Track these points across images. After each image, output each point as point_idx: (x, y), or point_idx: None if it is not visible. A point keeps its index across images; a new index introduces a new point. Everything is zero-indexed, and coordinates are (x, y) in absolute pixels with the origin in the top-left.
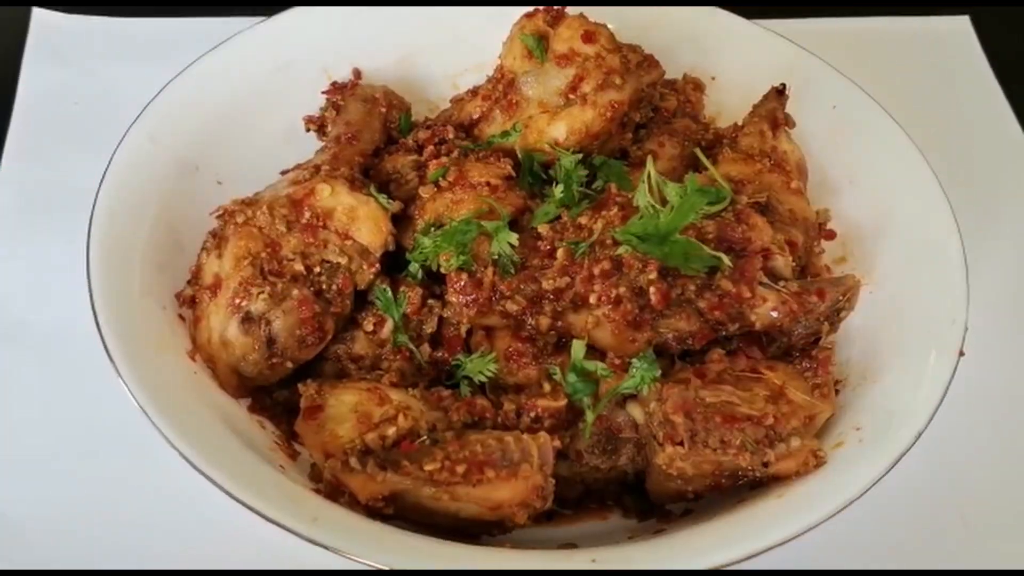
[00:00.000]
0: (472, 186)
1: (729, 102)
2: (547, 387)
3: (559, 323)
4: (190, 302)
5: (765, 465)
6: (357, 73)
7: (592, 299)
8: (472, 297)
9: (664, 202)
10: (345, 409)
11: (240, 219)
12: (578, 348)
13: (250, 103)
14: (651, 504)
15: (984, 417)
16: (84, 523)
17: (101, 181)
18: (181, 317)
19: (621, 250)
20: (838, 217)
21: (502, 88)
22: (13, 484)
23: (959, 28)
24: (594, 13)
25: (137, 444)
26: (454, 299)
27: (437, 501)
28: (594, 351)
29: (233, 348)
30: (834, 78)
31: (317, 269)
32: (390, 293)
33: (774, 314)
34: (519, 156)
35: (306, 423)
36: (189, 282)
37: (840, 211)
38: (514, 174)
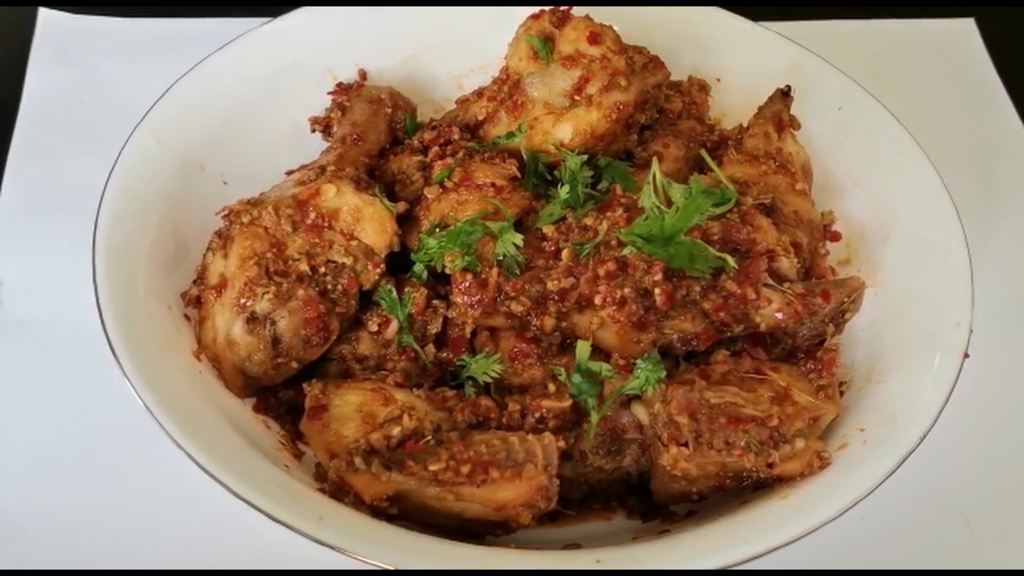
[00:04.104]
0: (477, 187)
1: (734, 104)
2: (551, 388)
3: (564, 324)
4: (195, 302)
5: (769, 466)
6: (363, 74)
7: (597, 300)
8: (477, 298)
9: (669, 203)
10: (350, 409)
11: (246, 219)
12: (583, 349)
13: (256, 104)
14: (655, 505)
15: (987, 419)
16: (86, 523)
17: (107, 181)
18: (187, 317)
19: (626, 251)
20: (843, 219)
21: (507, 89)
22: (15, 484)
23: (963, 30)
24: (598, 14)
25: (141, 443)
26: (459, 299)
27: (441, 501)
28: (599, 352)
29: (238, 348)
30: (839, 80)
31: (322, 269)
32: (395, 293)
33: (779, 315)
34: (524, 157)
35: (311, 423)
36: (195, 282)
37: (845, 213)
38: (519, 175)
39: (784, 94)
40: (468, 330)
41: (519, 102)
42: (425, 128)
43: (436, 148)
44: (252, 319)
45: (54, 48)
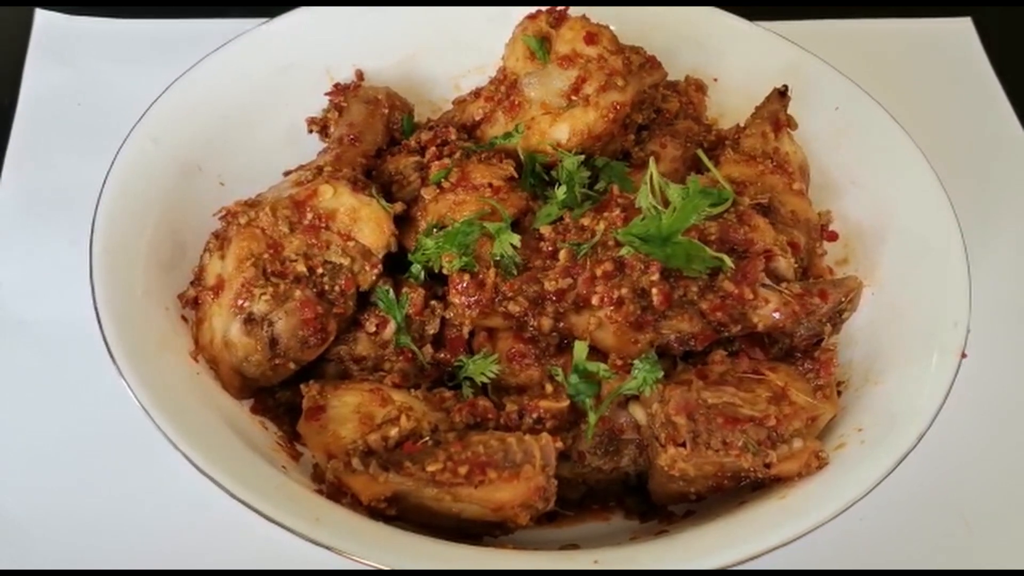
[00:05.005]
0: (474, 187)
1: (731, 103)
2: (549, 388)
3: (561, 324)
4: (193, 303)
5: (767, 466)
6: (360, 74)
7: (594, 300)
8: (474, 298)
9: (666, 203)
10: (347, 410)
11: (243, 220)
12: (580, 349)
13: (253, 104)
14: (653, 505)
15: (986, 418)
16: (84, 523)
17: (104, 182)
18: (184, 318)
19: (623, 251)
20: (840, 218)
21: (504, 89)
22: (15, 484)
23: (961, 29)
24: (596, 14)
25: (139, 445)
26: (456, 300)
27: (439, 502)
28: (596, 352)
29: (236, 349)
30: (836, 79)
31: (319, 270)
32: (392, 294)
33: (776, 315)
34: (521, 157)
35: (308, 424)
36: (192, 283)
37: (842, 212)
38: (516, 175)
39: (781, 94)
40: (466, 331)
41: (516, 102)
42: (422, 128)
43: (433, 149)
44: (249, 320)
45: (51, 49)
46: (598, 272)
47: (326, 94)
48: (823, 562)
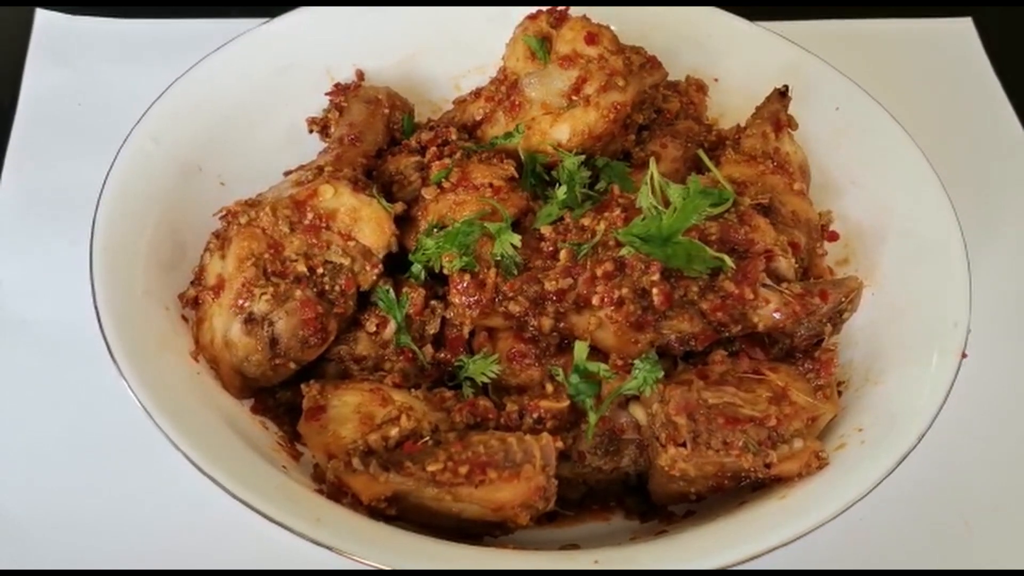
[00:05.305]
0: (475, 187)
1: (732, 104)
2: (549, 388)
3: (562, 324)
4: (193, 303)
5: (767, 466)
6: (360, 74)
7: (595, 300)
8: (475, 298)
9: (667, 203)
10: (348, 410)
11: (243, 220)
12: (581, 349)
13: (253, 104)
14: (653, 505)
15: (986, 419)
16: (84, 523)
17: (104, 182)
18: (184, 318)
19: (624, 251)
20: (841, 218)
21: (505, 89)
22: (15, 484)
23: (961, 29)
24: (596, 14)
25: (139, 445)
26: (457, 300)
27: (439, 502)
28: (597, 352)
29: (236, 349)
30: (837, 80)
31: (320, 270)
32: (393, 294)
33: (777, 315)
34: (522, 157)
35: (309, 424)
36: (192, 283)
37: (843, 212)
38: (517, 175)
39: (782, 94)
40: (466, 330)
41: (517, 102)
42: (423, 128)
43: (434, 149)
44: (250, 320)
45: (51, 49)
46: (598, 272)
47: (326, 94)
48: (823, 562)
